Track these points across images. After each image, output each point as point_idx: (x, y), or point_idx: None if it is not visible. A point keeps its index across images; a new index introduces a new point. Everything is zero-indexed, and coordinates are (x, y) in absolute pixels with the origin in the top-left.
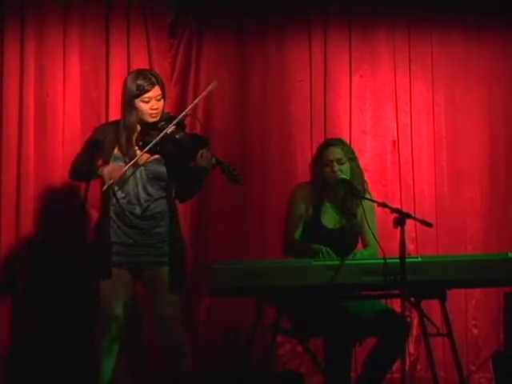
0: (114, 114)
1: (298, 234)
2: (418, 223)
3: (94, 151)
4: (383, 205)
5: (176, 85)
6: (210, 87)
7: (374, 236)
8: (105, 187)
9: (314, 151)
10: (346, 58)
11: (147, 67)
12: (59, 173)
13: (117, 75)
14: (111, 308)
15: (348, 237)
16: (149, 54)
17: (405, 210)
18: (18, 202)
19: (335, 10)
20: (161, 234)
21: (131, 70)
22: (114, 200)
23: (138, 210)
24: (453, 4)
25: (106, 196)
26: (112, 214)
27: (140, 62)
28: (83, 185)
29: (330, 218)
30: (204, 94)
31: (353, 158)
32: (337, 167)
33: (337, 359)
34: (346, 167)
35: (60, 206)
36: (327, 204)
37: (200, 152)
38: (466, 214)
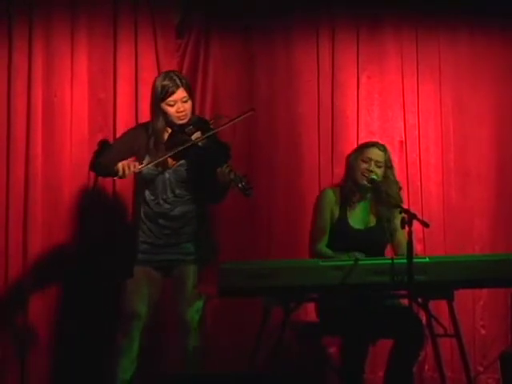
0: (122, 115)
1: (324, 244)
2: None
3: (106, 152)
4: (396, 205)
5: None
6: (247, 114)
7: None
8: (115, 178)
9: (352, 150)
10: (353, 59)
11: (155, 67)
12: (67, 172)
13: (124, 75)
14: (134, 307)
15: (376, 237)
16: (156, 54)
17: (412, 210)
18: (25, 202)
19: (343, 10)
20: (188, 234)
21: (139, 70)
22: (144, 202)
23: (166, 211)
24: (460, 4)
25: (138, 198)
26: (142, 215)
27: (148, 62)
28: (91, 184)
29: (357, 219)
30: (239, 118)
31: (390, 167)
32: (373, 167)
33: (352, 358)
34: (381, 172)
35: (67, 206)
36: (355, 205)
37: (218, 169)
38: (473, 214)
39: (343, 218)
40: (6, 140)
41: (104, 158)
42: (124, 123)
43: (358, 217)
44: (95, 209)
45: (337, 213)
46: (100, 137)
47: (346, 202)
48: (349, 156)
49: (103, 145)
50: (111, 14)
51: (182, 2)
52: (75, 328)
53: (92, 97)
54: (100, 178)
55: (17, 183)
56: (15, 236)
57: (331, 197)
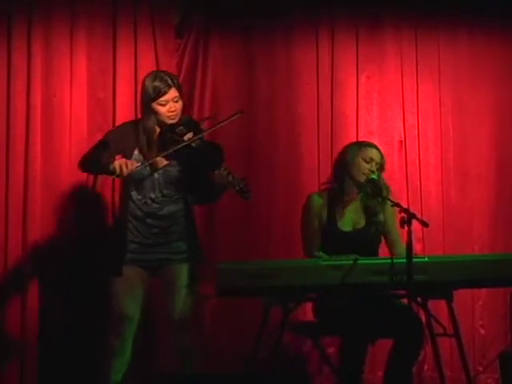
0: (122, 115)
1: (317, 249)
2: None
3: (102, 150)
4: (396, 204)
5: (183, 85)
6: (235, 117)
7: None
8: (113, 177)
9: (339, 150)
10: (352, 59)
11: (154, 67)
12: (66, 172)
13: (124, 75)
14: (125, 307)
15: (365, 238)
16: (156, 54)
17: (411, 210)
18: (24, 202)
19: (342, 10)
20: (177, 233)
21: (138, 70)
22: (130, 201)
23: (154, 211)
24: (460, 4)
25: (125, 197)
26: (128, 215)
27: (147, 62)
28: (90, 184)
29: (346, 221)
30: (227, 121)
31: (383, 170)
32: (374, 168)
33: (351, 358)
34: (377, 174)
35: (67, 206)
36: (345, 206)
37: (216, 171)
38: (473, 214)
39: (332, 220)
40: (6, 140)
41: (102, 157)
42: None
43: (347, 218)
44: (94, 208)
45: (325, 216)
46: (99, 137)
47: (335, 204)
48: (345, 152)
49: (101, 145)
50: (110, 14)
51: (182, 2)
52: (72, 326)
53: (91, 97)
54: (100, 177)
55: (16, 182)
56: (14, 235)
57: (317, 202)
